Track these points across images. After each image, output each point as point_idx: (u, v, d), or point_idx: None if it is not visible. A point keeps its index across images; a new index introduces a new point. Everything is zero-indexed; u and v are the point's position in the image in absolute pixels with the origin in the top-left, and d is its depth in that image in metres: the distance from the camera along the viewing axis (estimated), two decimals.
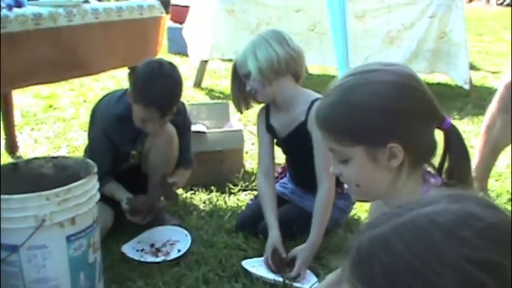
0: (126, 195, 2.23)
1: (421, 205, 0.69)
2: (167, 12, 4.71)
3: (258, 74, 2.06)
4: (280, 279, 1.99)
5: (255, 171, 2.86)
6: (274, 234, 2.09)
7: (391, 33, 4.49)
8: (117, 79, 5.17)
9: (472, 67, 5.47)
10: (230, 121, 3.14)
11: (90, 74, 3.12)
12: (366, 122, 1.11)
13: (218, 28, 4.49)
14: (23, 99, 4.39)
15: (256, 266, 2.06)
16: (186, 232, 2.26)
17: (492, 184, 2.77)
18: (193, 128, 2.63)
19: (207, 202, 2.62)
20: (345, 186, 1.94)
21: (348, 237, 2.25)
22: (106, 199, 2.08)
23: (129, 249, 2.16)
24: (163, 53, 5.12)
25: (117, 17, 2.80)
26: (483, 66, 6.24)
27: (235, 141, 2.89)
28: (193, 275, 2.00)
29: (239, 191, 2.74)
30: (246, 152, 3.15)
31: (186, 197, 2.66)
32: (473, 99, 4.41)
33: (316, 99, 2.07)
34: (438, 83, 5.11)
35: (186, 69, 5.34)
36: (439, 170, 1.19)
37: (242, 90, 2.16)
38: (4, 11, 2.30)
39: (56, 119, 4.01)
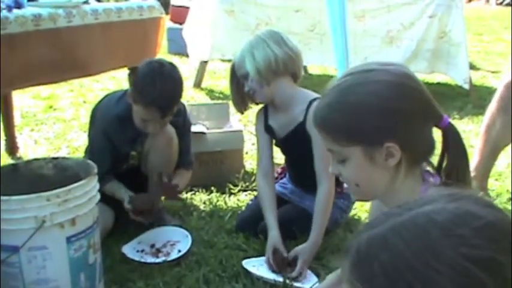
0: (127, 193, 2.23)
1: (420, 204, 0.70)
2: (167, 13, 4.72)
3: (256, 74, 2.06)
4: (281, 279, 1.99)
5: (255, 171, 2.85)
6: (274, 235, 2.09)
7: (390, 33, 4.49)
8: (117, 80, 5.17)
9: (472, 67, 5.46)
10: (230, 121, 3.14)
11: (90, 75, 3.13)
12: (362, 121, 1.11)
13: (218, 29, 4.49)
14: (22, 100, 4.39)
15: (256, 266, 2.05)
16: (186, 232, 2.26)
17: (492, 184, 2.77)
18: (193, 128, 2.63)
19: (207, 202, 2.62)
20: (345, 185, 1.95)
21: (348, 237, 2.25)
22: (106, 200, 2.08)
23: (130, 249, 2.16)
24: (163, 54, 5.12)
25: (116, 18, 2.81)
26: (483, 66, 6.24)
27: (235, 141, 2.89)
28: (194, 276, 2.00)
29: (239, 191, 2.74)
30: (246, 153, 3.15)
31: (186, 198, 2.66)
32: (473, 99, 4.40)
33: (314, 99, 2.07)
34: (438, 83, 5.11)
35: (186, 69, 5.33)
36: (438, 169, 1.19)
37: (241, 91, 2.16)
38: (4, 12, 2.31)
39: (56, 119, 4.01)
